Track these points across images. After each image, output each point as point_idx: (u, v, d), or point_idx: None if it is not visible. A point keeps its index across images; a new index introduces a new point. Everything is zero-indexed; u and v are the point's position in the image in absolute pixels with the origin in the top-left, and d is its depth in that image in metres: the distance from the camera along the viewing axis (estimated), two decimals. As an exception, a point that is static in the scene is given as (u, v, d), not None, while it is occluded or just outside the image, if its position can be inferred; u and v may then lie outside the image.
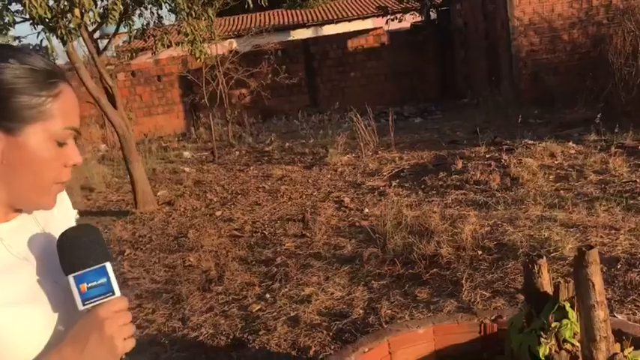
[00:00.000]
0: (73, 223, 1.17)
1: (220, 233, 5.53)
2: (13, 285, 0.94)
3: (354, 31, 15.76)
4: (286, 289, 3.92)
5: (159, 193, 7.60)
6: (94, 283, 0.94)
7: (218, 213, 6.31)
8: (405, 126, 11.14)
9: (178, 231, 5.85)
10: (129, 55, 10.58)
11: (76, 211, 1.23)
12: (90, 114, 13.10)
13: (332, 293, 3.77)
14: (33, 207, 1.02)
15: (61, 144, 0.97)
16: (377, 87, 14.68)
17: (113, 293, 0.94)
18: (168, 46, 6.85)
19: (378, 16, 18.16)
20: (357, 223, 5.27)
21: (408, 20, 15.54)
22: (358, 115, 8.72)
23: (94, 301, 0.93)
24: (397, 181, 6.71)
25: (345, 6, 21.16)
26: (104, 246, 0.99)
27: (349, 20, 19.31)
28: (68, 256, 0.95)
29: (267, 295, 3.88)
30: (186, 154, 10.74)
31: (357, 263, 4.24)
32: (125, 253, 5.39)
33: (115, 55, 13.25)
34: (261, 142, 10.86)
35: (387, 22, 15.56)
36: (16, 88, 0.93)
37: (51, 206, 1.01)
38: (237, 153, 10.09)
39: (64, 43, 5.42)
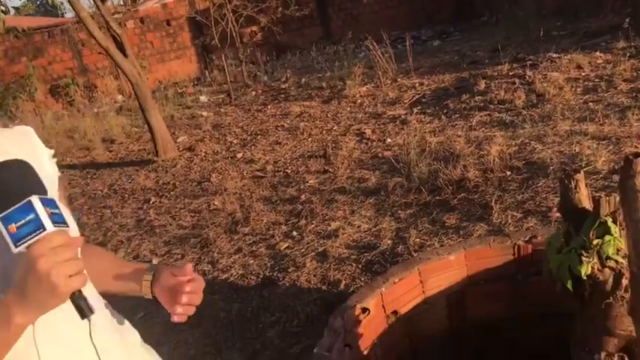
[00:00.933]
0: (46, 161, 1.11)
1: (243, 175, 5.48)
2: None
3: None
4: (312, 226, 3.88)
5: (179, 140, 7.55)
6: (22, 221, 0.84)
7: (239, 155, 6.25)
8: (424, 50, 10.78)
9: (201, 176, 5.83)
10: (136, 0, 10.34)
11: (51, 151, 1.15)
12: (103, 65, 12.98)
13: (359, 226, 3.72)
14: None
15: None
16: (391, 12, 14.19)
17: (44, 229, 0.85)
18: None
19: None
20: (380, 154, 5.16)
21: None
22: (374, 43, 8.44)
23: (27, 240, 0.84)
24: (419, 107, 6.53)
25: None
26: (30, 179, 0.91)
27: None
28: (22, 182, 0.89)
29: (294, 233, 3.85)
30: (203, 98, 10.61)
31: (382, 194, 4.17)
32: (151, 202, 5.40)
33: (122, 2, 12.98)
34: (277, 79, 10.66)
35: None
36: None
37: None
38: (254, 93, 9.93)
39: (65, -7, 5.25)
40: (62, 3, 5.49)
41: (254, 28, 12.88)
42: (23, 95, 12.82)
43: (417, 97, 7.03)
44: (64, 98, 13.04)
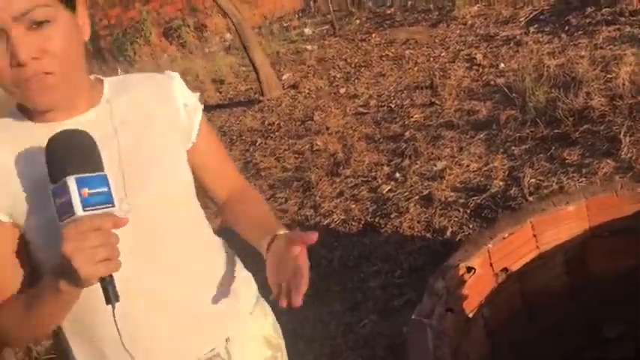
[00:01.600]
0: (182, 113, 1.13)
1: (345, 112, 5.32)
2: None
3: None
4: (417, 166, 3.67)
5: (284, 77, 7.49)
6: (96, 190, 0.85)
7: (342, 90, 6.07)
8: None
9: (304, 114, 5.74)
10: None
11: (190, 95, 1.16)
12: (211, 4, 13.07)
13: (467, 165, 3.46)
14: (36, 109, 0.98)
15: None
16: None
17: (73, 213, 0.83)
18: None
19: None
20: (492, 82, 4.75)
21: None
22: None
23: (95, 209, 0.84)
24: (535, 26, 5.91)
25: None
26: (99, 154, 0.90)
27: None
28: (66, 157, 0.86)
29: (397, 175, 3.67)
30: (307, 30, 10.41)
31: (493, 128, 3.83)
32: (257, 143, 5.43)
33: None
34: (382, 4, 10.16)
35: None
36: None
37: (44, 106, 0.96)
38: (358, 21, 9.56)
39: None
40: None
41: (357, -48, 12.28)
42: (140, 40, 13.35)
43: (534, 13, 6.36)
44: (176, 40, 13.41)
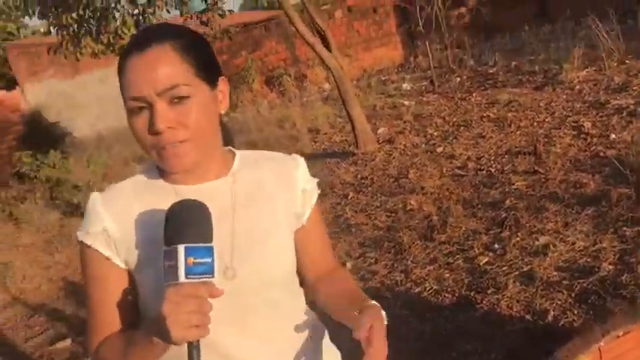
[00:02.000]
0: (298, 195, 1.18)
1: (442, 172, 5.21)
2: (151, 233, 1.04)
3: None
4: (517, 239, 3.49)
5: (379, 131, 7.50)
6: (200, 260, 0.92)
7: (439, 149, 5.98)
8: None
9: (399, 171, 5.68)
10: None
11: (311, 181, 1.23)
12: (313, 56, 13.47)
13: (573, 243, 3.25)
14: (169, 171, 1.08)
15: (133, 111, 1.02)
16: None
17: (177, 278, 0.90)
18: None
19: None
20: (602, 153, 4.51)
21: None
22: (597, 20, 7.46)
23: (197, 277, 0.91)
24: (652, 95, 5.60)
25: None
26: (211, 227, 0.96)
27: None
28: (181, 226, 0.94)
29: (496, 246, 3.51)
30: (405, 85, 10.45)
31: (603, 205, 3.60)
32: (349, 197, 5.42)
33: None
34: (484, 63, 10.06)
35: None
36: (118, 74, 1.05)
37: (175, 169, 1.06)
38: (458, 79, 9.49)
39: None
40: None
41: (461, 10, 12.31)
42: (243, 86, 13.95)
43: (651, 82, 6.04)
44: (277, 88, 13.89)
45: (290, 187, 1.19)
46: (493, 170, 4.89)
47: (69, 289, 5.22)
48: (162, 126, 1.00)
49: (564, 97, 6.55)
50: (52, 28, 5.75)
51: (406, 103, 8.92)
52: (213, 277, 0.93)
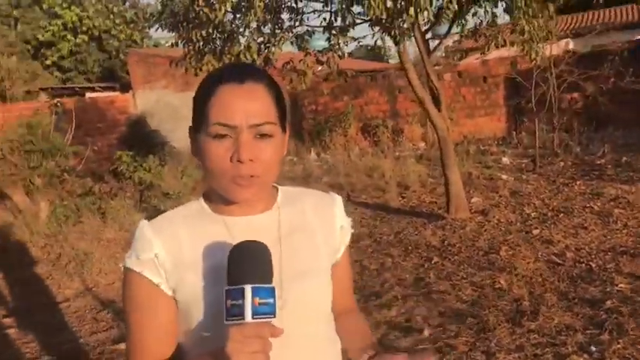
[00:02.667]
0: (337, 231, 1.25)
1: (537, 256, 4.92)
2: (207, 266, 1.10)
3: None
4: (619, 346, 3.18)
5: (472, 200, 7.27)
6: (265, 301, 0.94)
7: (535, 231, 5.68)
8: None
9: (489, 245, 5.43)
10: (458, 55, 10.46)
11: (347, 221, 1.28)
12: (413, 112, 13.48)
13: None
14: (230, 199, 1.11)
15: (213, 136, 1.06)
16: None
17: (244, 318, 0.93)
18: (502, 46, 6.41)
19: None
20: None
21: None
22: None
23: (261, 317, 0.93)
24: None
25: None
26: (272, 268, 0.99)
27: None
28: (247, 266, 0.96)
29: (593, 348, 3.21)
30: (505, 159, 10.16)
31: None
32: (432, 261, 5.22)
33: (443, 55, 13.35)
34: (592, 153, 9.63)
35: None
36: (201, 96, 1.11)
37: (238, 199, 1.10)
38: (562, 164, 9.12)
39: (397, 43, 5.47)
40: (389, 49, 5.73)
41: (575, 95, 11.92)
42: (338, 129, 14.10)
43: None
44: (372, 137, 13.92)
45: (329, 222, 1.25)
46: (594, 265, 4.57)
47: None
48: (246, 157, 1.05)
49: (680, 203, 6.10)
50: (180, 42, 6.01)
51: (504, 177, 8.65)
52: (274, 317, 0.95)
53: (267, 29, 6.20)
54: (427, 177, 9.33)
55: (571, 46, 11.68)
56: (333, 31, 5.74)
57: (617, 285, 4.09)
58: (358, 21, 5.91)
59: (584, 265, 4.63)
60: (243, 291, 0.93)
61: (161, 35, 38.21)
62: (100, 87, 20.21)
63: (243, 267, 0.96)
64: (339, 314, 1.28)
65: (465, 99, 13.57)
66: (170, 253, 1.10)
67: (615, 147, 9.73)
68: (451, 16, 5.60)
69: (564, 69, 9.94)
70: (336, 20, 6.02)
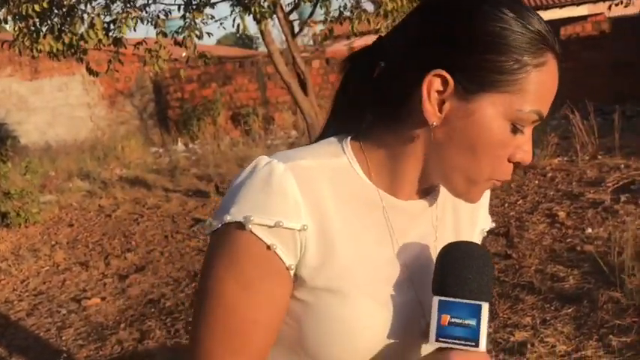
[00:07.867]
0: (476, 235, 1.00)
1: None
2: (373, 269, 0.82)
3: (568, 18, 13.99)
4: (490, 329, 3.11)
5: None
6: (460, 321, 0.76)
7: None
8: (628, 127, 9.42)
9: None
10: (325, 40, 10.34)
11: (489, 222, 1.04)
12: (284, 100, 13.26)
13: (552, 346, 2.88)
14: (450, 190, 0.86)
15: (516, 129, 0.78)
16: (593, 81, 12.84)
17: (477, 345, 0.75)
18: (367, 32, 6.27)
19: (596, 1, 15.99)
20: (579, 247, 4.24)
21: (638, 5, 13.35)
22: (575, 112, 7.43)
23: (450, 343, 0.76)
24: (627, 195, 5.44)
25: (557, -10, 19.06)
26: (489, 282, 0.79)
27: (561, 7, 17.32)
28: (446, 274, 0.78)
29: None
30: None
31: (584, 305, 3.28)
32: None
33: (311, 42, 13.24)
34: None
35: (609, 7, 13.52)
36: (497, 43, 0.74)
37: (471, 201, 0.86)
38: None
39: (258, 22, 5.13)
40: (258, 38, 5.40)
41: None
42: (207, 118, 13.52)
43: (625, 181, 5.92)
44: (242, 126, 13.51)
45: (473, 223, 1.00)
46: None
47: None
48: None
49: (536, 182, 6.38)
50: (9, 18, 5.23)
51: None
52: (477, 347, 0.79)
53: (117, 7, 5.59)
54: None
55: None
56: (190, 8, 5.27)
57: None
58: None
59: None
60: (479, 309, 0.76)
61: None
62: None
63: (474, 277, 0.78)
64: None
65: (334, 86, 13.55)
66: (317, 227, 0.77)
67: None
68: (314, -5, 5.36)
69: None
70: (192, -3, 5.56)
